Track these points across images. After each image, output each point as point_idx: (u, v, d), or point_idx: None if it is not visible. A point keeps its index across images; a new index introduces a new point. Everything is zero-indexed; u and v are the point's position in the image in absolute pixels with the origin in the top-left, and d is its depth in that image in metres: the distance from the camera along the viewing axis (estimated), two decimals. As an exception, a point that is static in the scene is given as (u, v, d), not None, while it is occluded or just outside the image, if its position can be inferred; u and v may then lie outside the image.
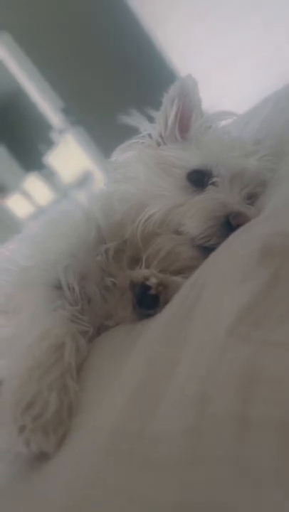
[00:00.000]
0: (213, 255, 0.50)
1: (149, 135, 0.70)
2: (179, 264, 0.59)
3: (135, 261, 0.61)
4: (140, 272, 0.55)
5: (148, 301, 0.52)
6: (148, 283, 0.53)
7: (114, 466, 0.31)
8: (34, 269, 0.59)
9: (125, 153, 0.69)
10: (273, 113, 0.87)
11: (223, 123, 0.73)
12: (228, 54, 2.29)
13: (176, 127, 0.68)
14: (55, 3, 2.73)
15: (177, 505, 0.25)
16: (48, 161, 3.23)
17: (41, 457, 0.39)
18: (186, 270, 0.56)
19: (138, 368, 0.40)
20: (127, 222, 0.62)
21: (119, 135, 0.71)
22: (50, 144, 3.11)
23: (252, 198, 0.62)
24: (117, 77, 2.79)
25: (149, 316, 0.52)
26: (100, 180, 2.70)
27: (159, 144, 0.69)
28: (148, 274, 0.54)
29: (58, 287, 0.57)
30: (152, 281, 0.53)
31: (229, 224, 0.55)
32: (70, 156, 3.00)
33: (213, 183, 0.62)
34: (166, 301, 0.50)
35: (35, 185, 3.55)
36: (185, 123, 0.69)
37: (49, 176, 3.41)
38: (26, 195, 3.63)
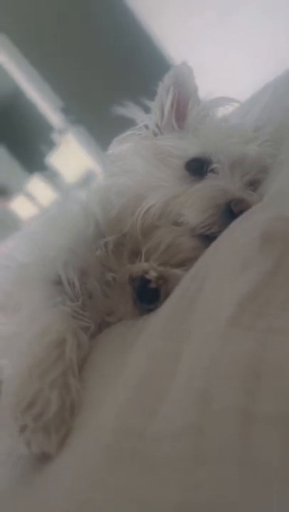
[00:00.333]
0: (213, 245, 0.48)
1: (146, 126, 0.68)
2: (181, 256, 0.57)
3: (136, 255, 0.60)
4: (139, 266, 0.54)
5: (148, 295, 0.51)
6: (147, 276, 0.51)
7: (117, 466, 0.30)
8: (33, 265, 0.58)
9: (122, 146, 0.68)
10: (273, 99, 0.85)
11: (224, 112, 0.71)
12: (225, 46, 2.27)
13: (172, 116, 0.66)
14: (53, 2, 2.73)
15: (178, 505, 0.24)
16: (50, 161, 3.24)
17: (43, 458, 0.38)
18: (188, 262, 0.54)
19: (139, 363, 0.39)
20: (126, 215, 0.60)
21: (120, 132, 0.69)
22: (51, 144, 3.11)
23: (254, 184, 0.60)
24: (116, 73, 2.78)
25: (150, 311, 0.50)
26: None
27: (155, 134, 0.67)
28: (147, 267, 0.52)
29: (58, 283, 0.56)
30: (152, 274, 0.51)
31: (231, 211, 0.53)
32: (71, 155, 3.00)
33: (212, 170, 0.60)
34: (167, 295, 0.48)
35: (38, 187, 3.56)
36: (181, 111, 0.67)
37: (52, 176, 3.41)
38: (29, 196, 3.64)
